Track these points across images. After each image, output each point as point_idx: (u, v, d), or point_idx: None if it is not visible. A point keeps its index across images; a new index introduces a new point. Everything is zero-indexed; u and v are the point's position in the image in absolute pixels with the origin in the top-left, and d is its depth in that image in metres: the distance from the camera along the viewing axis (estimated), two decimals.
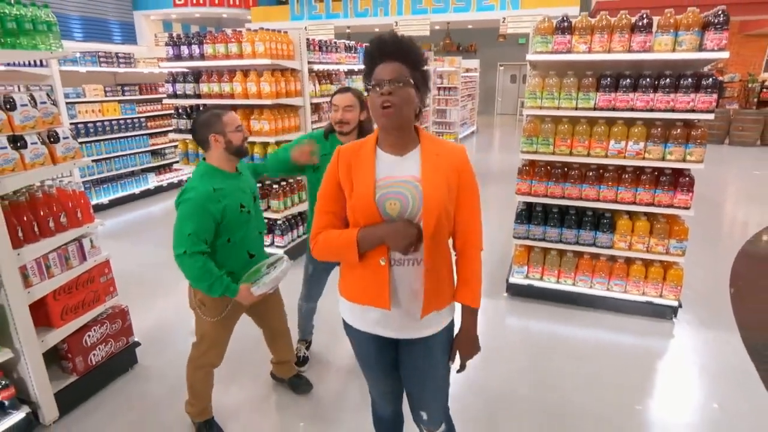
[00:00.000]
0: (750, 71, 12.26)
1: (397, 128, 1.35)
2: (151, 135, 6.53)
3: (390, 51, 1.32)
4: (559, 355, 2.92)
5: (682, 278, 3.20)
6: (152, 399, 2.58)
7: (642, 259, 3.26)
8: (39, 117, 2.23)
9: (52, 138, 2.29)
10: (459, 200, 1.40)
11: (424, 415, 1.59)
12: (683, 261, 3.17)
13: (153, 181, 6.66)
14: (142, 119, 6.33)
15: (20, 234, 2.16)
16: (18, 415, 2.22)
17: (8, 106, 2.10)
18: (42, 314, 2.31)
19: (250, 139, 3.94)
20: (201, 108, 4.07)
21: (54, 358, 2.46)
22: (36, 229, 2.23)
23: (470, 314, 1.51)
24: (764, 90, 10.99)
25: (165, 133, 6.60)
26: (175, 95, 4.05)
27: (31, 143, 2.17)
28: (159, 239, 4.88)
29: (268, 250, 2.51)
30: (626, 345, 3.04)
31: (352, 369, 2.77)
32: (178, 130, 4.16)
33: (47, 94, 2.32)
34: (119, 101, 6.09)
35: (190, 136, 4.12)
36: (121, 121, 6.06)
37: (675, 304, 3.23)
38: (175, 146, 6.73)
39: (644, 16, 2.88)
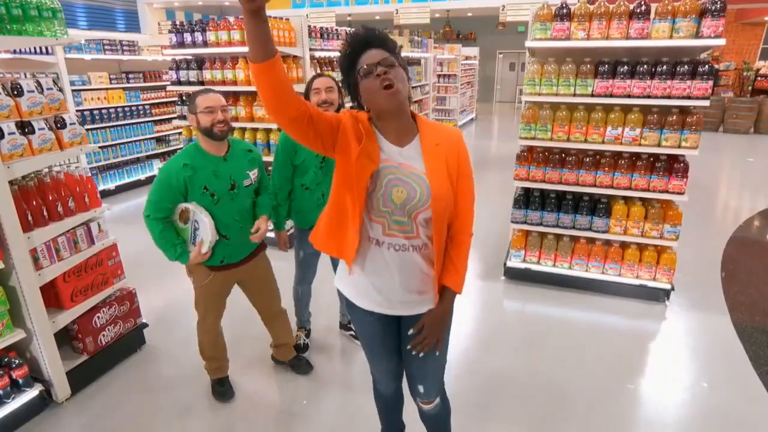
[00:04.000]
0: (745, 59, 12.26)
1: (399, 108, 1.35)
2: (155, 122, 6.57)
3: (368, 40, 1.35)
4: (555, 337, 3.01)
5: (675, 262, 3.27)
6: (160, 378, 2.66)
7: (636, 244, 3.34)
8: (46, 103, 2.27)
9: (59, 124, 2.33)
10: (457, 188, 1.43)
11: (421, 389, 1.65)
12: (676, 245, 3.25)
13: (158, 167, 6.69)
14: (146, 106, 6.37)
15: (30, 218, 2.21)
16: (31, 393, 2.30)
17: (15, 92, 2.14)
18: (53, 296, 2.38)
19: (253, 125, 3.99)
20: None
21: (65, 338, 2.54)
22: (45, 213, 2.28)
23: (450, 297, 1.50)
24: (759, 78, 11.02)
25: (169, 120, 6.64)
26: (178, 82, 4.08)
27: (39, 129, 2.21)
28: None
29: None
30: (620, 327, 3.13)
31: (352, 352, 2.86)
32: (182, 117, 4.20)
33: (54, 81, 2.36)
34: (124, 89, 6.11)
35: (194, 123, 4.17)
36: (126, 109, 6.10)
37: (668, 287, 3.31)
38: (179, 133, 6.79)
39: (642, 3, 2.91)
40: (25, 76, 2.73)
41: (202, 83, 4.01)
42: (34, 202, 2.23)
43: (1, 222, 2.07)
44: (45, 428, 2.30)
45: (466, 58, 12.48)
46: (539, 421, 2.31)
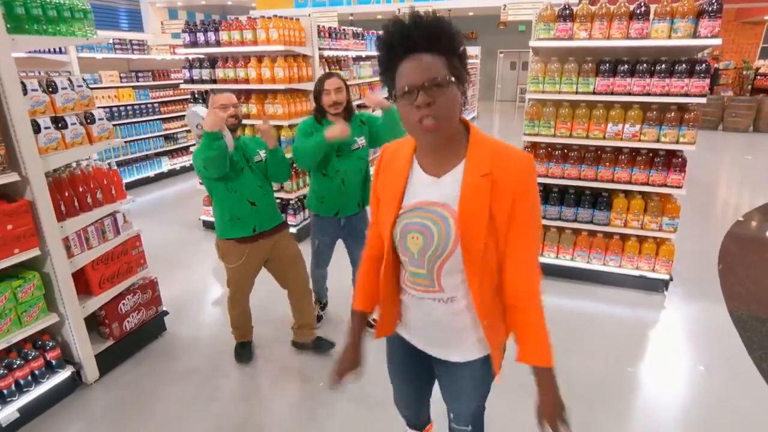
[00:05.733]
0: (745, 59, 12.39)
1: (445, 143, 1.08)
2: (164, 120, 6.71)
3: (416, 40, 0.98)
4: (557, 325, 3.10)
5: (674, 254, 3.40)
6: (180, 363, 2.79)
7: (636, 236, 3.46)
8: (77, 99, 2.40)
9: (89, 119, 2.45)
10: (507, 237, 1.09)
11: (452, 415, 1.51)
12: (675, 237, 3.37)
13: (166, 164, 6.88)
14: (155, 104, 6.51)
15: (63, 208, 2.34)
16: (64, 374, 2.43)
17: (51, 89, 2.27)
18: (82, 283, 2.50)
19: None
20: (214, 92, 4.25)
21: (93, 324, 2.66)
22: (76, 203, 2.41)
23: (545, 374, 1.23)
24: (758, 77, 11.14)
25: (177, 118, 6.78)
26: (191, 80, 4.20)
27: (71, 124, 2.34)
28: (174, 219, 5.08)
29: None
30: (620, 316, 3.25)
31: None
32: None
33: (83, 78, 2.49)
34: (134, 87, 6.25)
35: None
36: (136, 107, 6.25)
37: (666, 277, 3.44)
38: (189, 130, 6.92)
39: (642, 4, 3.04)
40: (39, 75, 2.86)
41: (214, 81, 4.14)
42: (67, 193, 2.36)
43: (39, 211, 2.19)
44: (75, 408, 2.42)
45: (468, 57, 12.59)
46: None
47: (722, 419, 2.33)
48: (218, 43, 4.01)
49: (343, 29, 4.75)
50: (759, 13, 11.41)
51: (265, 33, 3.81)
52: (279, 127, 4.10)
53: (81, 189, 2.44)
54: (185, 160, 7.04)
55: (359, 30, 5.16)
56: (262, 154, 2.48)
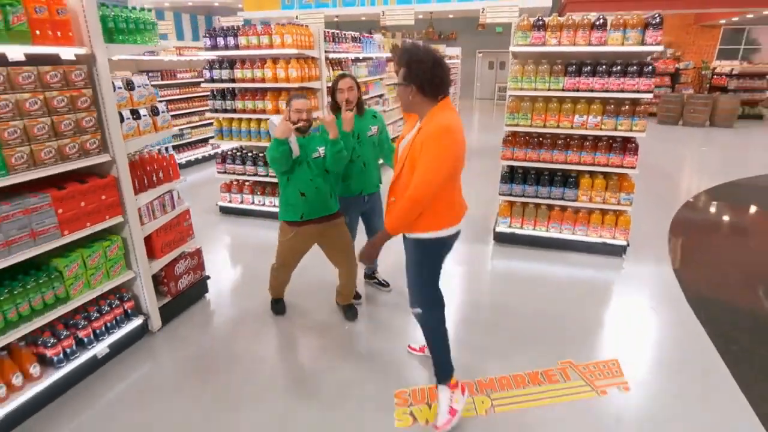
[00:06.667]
0: (704, 59, 13.44)
1: (412, 113, 2.15)
2: (171, 117, 7.14)
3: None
4: (537, 284, 3.80)
5: (630, 223, 4.10)
6: (220, 318, 3.33)
7: (599, 209, 4.15)
8: (147, 95, 2.92)
9: (155, 111, 2.98)
10: (416, 165, 1.94)
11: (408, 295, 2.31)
12: (631, 210, 4.07)
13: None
14: (163, 103, 6.93)
15: (136, 185, 2.86)
16: (136, 322, 2.95)
17: (129, 87, 2.79)
18: (148, 247, 3.02)
19: (280, 116, 4.67)
20: (233, 90, 4.78)
21: (155, 283, 3.17)
22: (145, 181, 2.93)
23: (383, 234, 2.08)
24: (715, 76, 12.17)
25: (183, 115, 7.22)
26: (212, 80, 4.71)
27: (143, 115, 2.86)
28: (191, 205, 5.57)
29: None
30: (587, 276, 3.93)
31: (374, 294, 3.58)
32: (214, 110, 4.83)
33: (147, 77, 3.00)
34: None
35: (225, 115, 4.82)
36: None
37: (624, 243, 4.14)
38: (193, 127, 7.38)
39: (601, 17, 3.71)
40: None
41: (233, 81, 4.66)
42: (139, 172, 2.88)
43: (122, 186, 2.72)
44: (144, 351, 2.95)
45: (450, 57, 13.27)
46: (526, 333, 3.09)
47: (665, 342, 3.03)
48: (237, 47, 4.53)
49: (344, 34, 5.32)
50: (715, 17, 12.43)
51: (280, 38, 4.35)
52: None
53: (148, 169, 2.96)
54: (190, 155, 7.48)
55: (356, 34, 5.73)
56: (321, 150, 2.77)
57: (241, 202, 5.10)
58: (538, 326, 3.19)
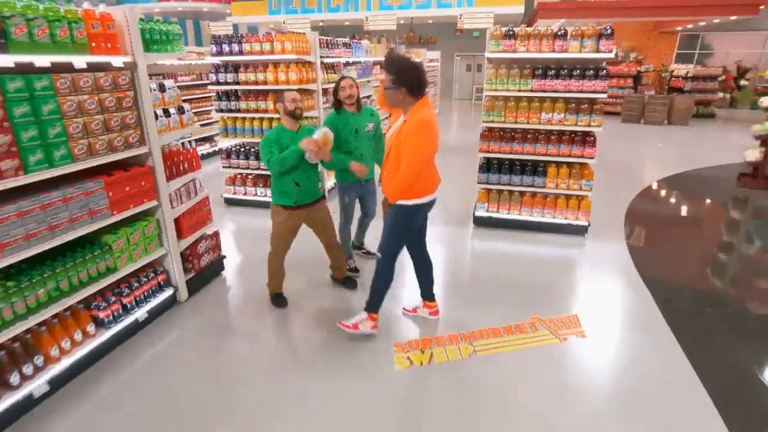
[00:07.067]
0: (664, 63, 14.43)
1: (397, 109, 2.78)
2: None
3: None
4: (510, 259, 4.38)
5: (590, 206, 4.72)
6: (235, 292, 3.80)
7: (564, 195, 4.76)
8: (175, 96, 3.38)
9: (181, 110, 3.43)
10: (402, 151, 2.58)
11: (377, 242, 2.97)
12: (591, 195, 4.69)
13: None
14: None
15: (167, 173, 3.31)
16: (168, 292, 3.40)
17: (162, 89, 3.24)
18: (177, 228, 3.47)
19: (277, 116, 5.14)
20: (237, 92, 5.24)
21: (181, 261, 3.62)
22: (174, 170, 3.39)
23: (384, 200, 2.81)
24: (673, 78, 13.13)
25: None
26: (218, 83, 5.15)
27: (173, 113, 3.32)
28: None
29: None
30: (554, 251, 4.53)
31: (362, 262, 4.10)
32: (220, 110, 5.28)
33: (173, 80, 3.46)
34: None
35: (230, 114, 5.28)
36: None
37: (586, 224, 4.76)
38: (201, 125, 7.75)
39: (562, 28, 4.32)
40: None
41: (237, 83, 5.11)
42: (169, 163, 3.33)
43: (157, 174, 3.17)
44: (173, 319, 3.39)
45: (430, 60, 13.90)
46: (502, 296, 3.65)
47: (617, 302, 3.65)
48: (241, 53, 4.99)
49: (336, 40, 5.83)
50: (672, 25, 13.42)
51: (280, 44, 4.83)
52: None
53: (175, 160, 3.41)
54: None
55: (347, 40, 6.25)
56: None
57: (245, 194, 5.56)
58: (512, 291, 3.76)
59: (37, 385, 2.50)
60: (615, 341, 3.15)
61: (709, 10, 10.26)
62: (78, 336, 2.77)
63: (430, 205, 2.86)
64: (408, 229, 2.90)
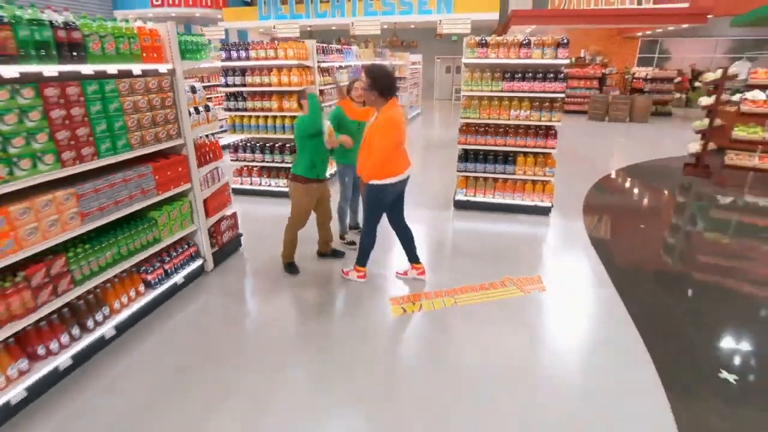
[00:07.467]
0: (627, 65, 15.53)
1: (371, 107, 3.55)
2: None
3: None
4: (486, 235, 5.12)
5: (554, 190, 5.50)
6: (252, 265, 4.44)
7: (531, 180, 5.53)
8: (203, 97, 4.01)
9: (207, 109, 4.07)
10: (372, 141, 3.34)
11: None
12: (554, 180, 5.47)
13: None
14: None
15: (197, 161, 3.94)
16: (198, 262, 4.03)
17: (193, 91, 3.88)
18: (205, 208, 4.09)
19: (282, 114, 5.80)
20: (243, 94, 5.87)
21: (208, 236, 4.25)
22: (202, 159, 4.02)
23: (361, 180, 3.56)
24: (635, 80, 14.22)
25: None
26: (226, 85, 5.77)
27: (201, 111, 3.95)
28: None
29: None
30: (523, 228, 5.29)
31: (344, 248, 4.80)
32: (228, 109, 5.90)
33: (200, 82, 4.09)
34: None
35: (237, 113, 5.90)
36: None
37: (550, 205, 5.53)
38: None
39: (526, 38, 5.09)
40: None
41: (244, 85, 5.74)
42: (198, 153, 3.96)
43: (190, 162, 3.80)
44: (202, 286, 4.01)
45: (413, 63, 14.66)
46: (478, 263, 4.39)
47: (574, 267, 4.42)
48: (248, 58, 5.62)
49: (331, 47, 6.50)
50: (634, 31, 14.50)
51: (283, 51, 5.49)
52: (294, 117, 5.79)
53: (203, 150, 4.04)
54: None
55: (340, 47, 6.93)
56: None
57: (251, 184, 6.18)
58: (488, 260, 4.50)
59: (108, 329, 3.11)
60: (568, 293, 3.90)
61: (664, 19, 11.29)
62: (132, 293, 3.39)
63: (399, 184, 3.57)
64: (380, 203, 3.64)
